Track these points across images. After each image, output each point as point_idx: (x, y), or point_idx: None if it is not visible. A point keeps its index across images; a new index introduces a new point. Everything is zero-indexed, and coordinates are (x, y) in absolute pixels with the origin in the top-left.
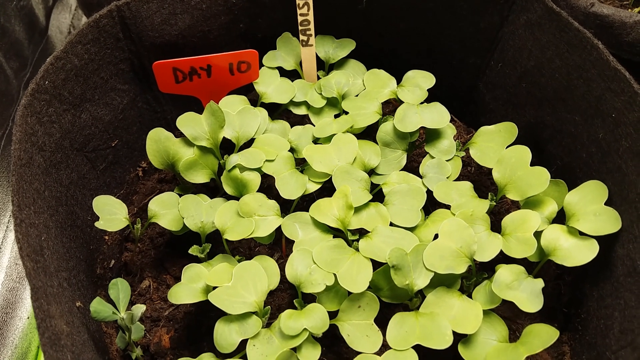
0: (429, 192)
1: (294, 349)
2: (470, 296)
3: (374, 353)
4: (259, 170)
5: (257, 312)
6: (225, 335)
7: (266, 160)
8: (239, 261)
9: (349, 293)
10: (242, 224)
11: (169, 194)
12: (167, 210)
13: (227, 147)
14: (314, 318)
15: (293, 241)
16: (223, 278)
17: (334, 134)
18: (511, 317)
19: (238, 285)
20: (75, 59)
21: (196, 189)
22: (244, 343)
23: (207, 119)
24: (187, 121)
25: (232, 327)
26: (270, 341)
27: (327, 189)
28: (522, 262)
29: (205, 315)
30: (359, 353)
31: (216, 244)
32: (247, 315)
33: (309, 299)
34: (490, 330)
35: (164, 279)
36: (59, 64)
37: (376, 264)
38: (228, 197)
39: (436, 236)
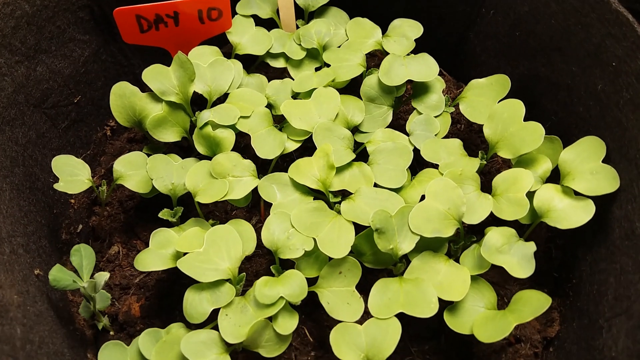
0: (416, 151)
1: (270, 319)
2: (457, 261)
3: (355, 322)
4: (233, 127)
5: (231, 279)
6: (196, 305)
7: (241, 117)
8: (213, 225)
9: (330, 259)
10: (215, 186)
11: (136, 153)
12: (135, 171)
13: (199, 103)
14: (291, 285)
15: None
16: (194, 243)
17: (315, 89)
18: (500, 283)
19: (210, 251)
20: (26, 5)
21: (168, 148)
22: (216, 312)
23: (176, 72)
24: (153, 74)
25: (203, 295)
26: (244, 310)
27: (308, 148)
28: (513, 224)
29: (178, 282)
30: (340, 322)
31: (190, 208)
32: (219, 283)
33: (288, 265)
34: (478, 296)
35: (134, 245)
36: (6, 10)
37: (359, 228)
38: (201, 157)
39: (423, 197)
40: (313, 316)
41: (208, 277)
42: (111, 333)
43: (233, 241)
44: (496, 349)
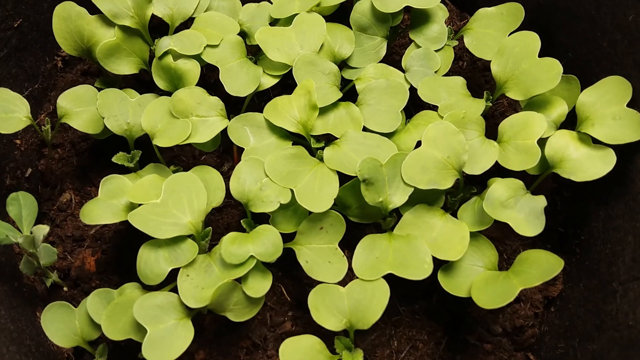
0: (412, 90)
1: (239, 280)
2: (455, 215)
3: (338, 283)
4: (198, 58)
5: (194, 235)
6: (151, 264)
7: (208, 46)
8: (175, 172)
9: (310, 212)
10: (176, 127)
11: (85, 87)
12: (83, 108)
13: (160, 29)
14: (264, 242)
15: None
16: (150, 193)
17: (296, 14)
18: (499, 238)
19: (169, 203)
20: None
21: (125, 83)
22: (177, 272)
23: None
24: None
25: (160, 253)
26: (208, 270)
27: (287, 85)
28: (518, 175)
29: (140, 234)
30: (321, 283)
31: (154, 152)
32: (179, 240)
33: (263, 219)
34: (477, 255)
35: (88, 192)
36: None
37: (344, 178)
38: (161, 93)
39: (419, 144)
40: (292, 273)
41: (165, 232)
42: (65, 289)
43: (196, 191)
44: (493, 309)
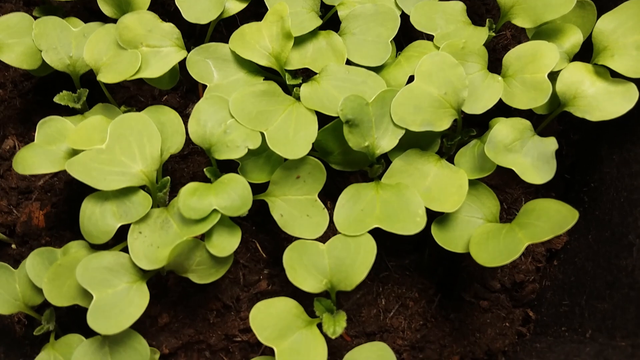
0: (404, 17)
1: (202, 237)
2: (451, 161)
3: (317, 239)
4: None
5: (147, 186)
6: (96, 220)
7: None
8: (127, 113)
9: (285, 159)
10: (123, 59)
11: (19, 15)
12: (17, 40)
13: None
14: (229, 194)
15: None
16: (94, 137)
17: None
18: (499, 186)
19: (116, 148)
20: None
21: (74, 12)
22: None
23: None
24: None
25: (106, 207)
26: (165, 227)
27: (257, 12)
28: (523, 115)
29: None
30: (298, 239)
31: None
32: (130, 192)
33: (233, 167)
34: (476, 205)
35: (33, 137)
36: None
37: (324, 119)
38: (107, 21)
39: (411, 79)
40: (267, 227)
41: (111, 183)
42: (13, 247)
43: (148, 135)
44: None
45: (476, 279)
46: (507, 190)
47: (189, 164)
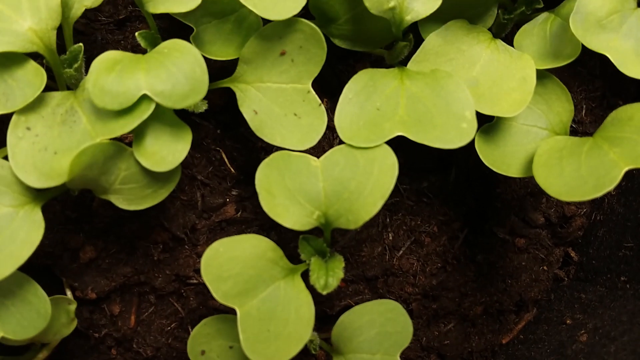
0: None
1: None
2: (509, 42)
3: (308, 151)
4: None
5: (44, 56)
6: None
7: None
8: None
9: (265, 22)
10: None
11: None
12: None
13: None
14: (169, 72)
15: None
16: None
17: None
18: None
19: None
20: None
21: None
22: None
23: None
24: None
25: None
26: (69, 121)
27: None
28: None
29: None
30: (281, 149)
31: None
32: (13, 62)
33: (183, 32)
34: (540, 109)
35: None
36: None
37: None
38: None
39: None
40: (238, 130)
41: None
42: None
43: None
44: (534, 190)
45: (514, 210)
46: (573, 91)
47: (127, 35)
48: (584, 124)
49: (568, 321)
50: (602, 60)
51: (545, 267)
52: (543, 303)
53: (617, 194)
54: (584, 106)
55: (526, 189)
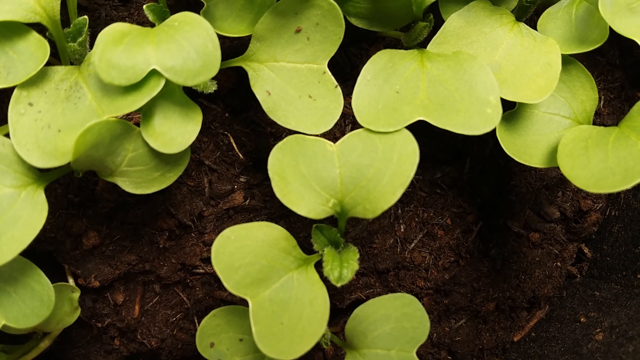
0: None
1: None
2: (532, 26)
3: (324, 135)
4: None
5: (47, 28)
6: None
7: None
8: None
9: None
10: None
11: None
12: None
13: None
14: (180, 46)
15: None
16: None
17: None
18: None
19: None
20: None
21: None
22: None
23: None
24: None
25: None
26: (73, 97)
27: None
28: None
29: None
30: (295, 132)
31: None
32: (15, 33)
33: (195, 8)
34: (563, 96)
35: None
36: None
37: None
38: None
39: None
40: (248, 113)
41: None
42: None
43: None
44: (550, 184)
45: (529, 203)
46: (598, 79)
47: (132, 12)
48: (602, 116)
49: (582, 319)
50: (622, 50)
51: (558, 263)
52: (555, 300)
53: (634, 188)
54: (602, 97)
55: (542, 182)
